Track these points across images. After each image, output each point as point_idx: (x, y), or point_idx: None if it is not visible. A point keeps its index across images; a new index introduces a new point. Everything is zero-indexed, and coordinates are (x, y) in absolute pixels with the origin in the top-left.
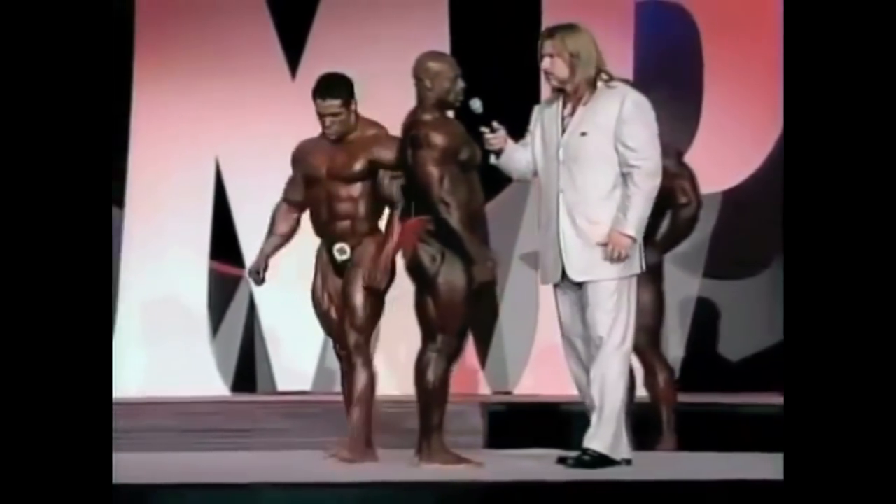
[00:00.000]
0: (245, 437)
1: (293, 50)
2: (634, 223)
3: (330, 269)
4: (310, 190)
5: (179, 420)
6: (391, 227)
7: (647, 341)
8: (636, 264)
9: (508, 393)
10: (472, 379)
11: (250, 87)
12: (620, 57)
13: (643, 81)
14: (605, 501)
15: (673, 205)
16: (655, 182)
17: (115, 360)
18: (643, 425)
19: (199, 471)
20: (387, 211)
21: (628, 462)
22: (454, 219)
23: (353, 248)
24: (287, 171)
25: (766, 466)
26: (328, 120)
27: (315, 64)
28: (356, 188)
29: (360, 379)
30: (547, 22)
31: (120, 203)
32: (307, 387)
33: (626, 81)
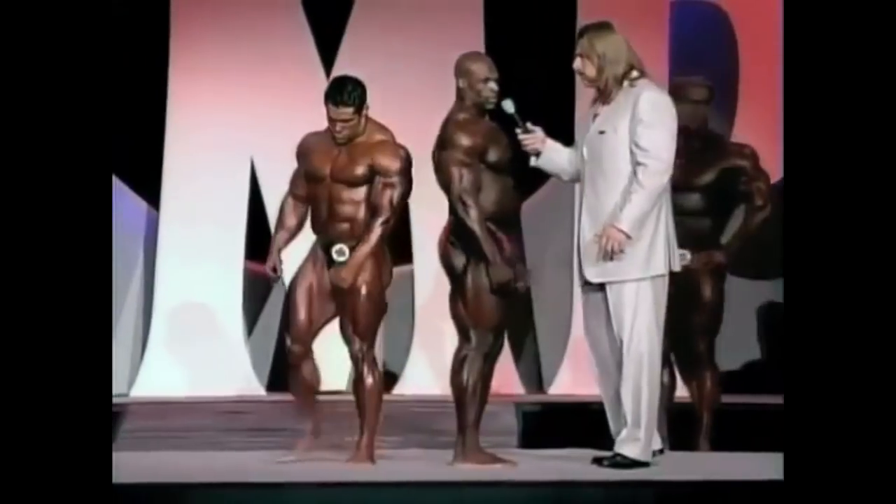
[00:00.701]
0: (280, 437)
1: (328, 50)
2: (629, 219)
3: (324, 268)
4: (312, 188)
5: (215, 419)
6: (369, 232)
7: (703, 342)
8: (658, 265)
9: (542, 392)
10: (505, 378)
11: (285, 87)
12: (655, 57)
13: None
14: (605, 501)
15: (749, 207)
16: (661, 181)
17: (150, 360)
18: (681, 424)
19: (230, 470)
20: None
21: (661, 451)
22: (471, 219)
23: (351, 251)
24: None
25: (766, 466)
26: (339, 125)
27: (350, 64)
28: (358, 192)
29: (368, 383)
30: (582, 23)
31: (156, 204)
32: (342, 386)
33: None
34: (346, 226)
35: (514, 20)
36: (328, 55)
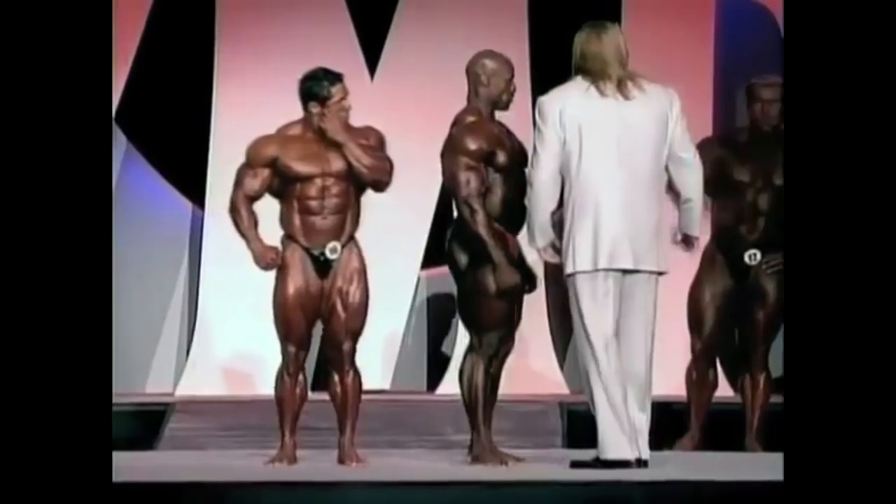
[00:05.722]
0: (325, 436)
1: (372, 51)
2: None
3: (311, 269)
4: (301, 189)
5: (261, 419)
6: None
7: (764, 344)
8: (567, 266)
9: None
10: (550, 379)
11: None
12: (700, 58)
13: (725, 82)
14: (602, 501)
15: None
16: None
17: (195, 359)
18: (726, 424)
19: (277, 469)
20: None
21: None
22: (477, 223)
23: (342, 247)
24: None
25: (766, 466)
26: (348, 101)
27: (394, 65)
28: (348, 181)
29: (356, 382)
30: (626, 24)
31: (201, 203)
32: (386, 385)
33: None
34: (338, 217)
35: (559, 17)
36: (372, 56)
